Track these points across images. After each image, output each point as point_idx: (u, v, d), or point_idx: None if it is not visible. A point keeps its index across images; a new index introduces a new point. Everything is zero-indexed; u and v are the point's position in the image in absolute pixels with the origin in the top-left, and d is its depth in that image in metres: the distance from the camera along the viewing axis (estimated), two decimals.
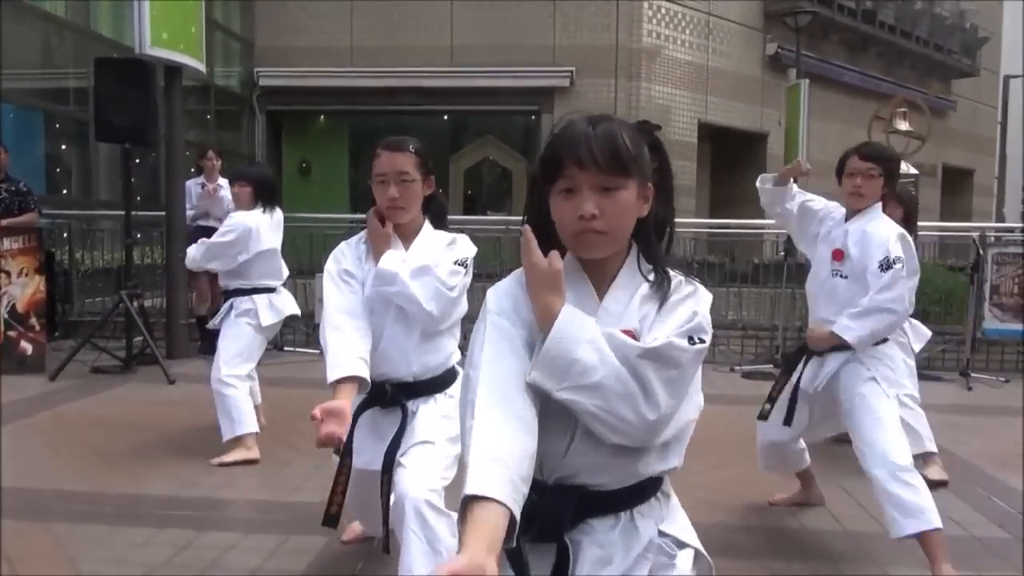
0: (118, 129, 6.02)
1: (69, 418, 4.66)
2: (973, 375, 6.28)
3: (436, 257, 2.30)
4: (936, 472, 3.71)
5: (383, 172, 2.27)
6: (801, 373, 2.98)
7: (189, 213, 6.67)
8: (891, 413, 2.77)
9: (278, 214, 4.18)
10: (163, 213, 6.79)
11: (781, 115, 13.26)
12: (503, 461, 1.10)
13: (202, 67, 6.91)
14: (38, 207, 6.38)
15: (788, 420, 2.99)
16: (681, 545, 1.33)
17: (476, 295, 7.01)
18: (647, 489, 1.30)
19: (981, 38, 21.32)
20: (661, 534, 1.31)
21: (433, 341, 2.33)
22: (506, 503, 1.06)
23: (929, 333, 4.23)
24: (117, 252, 7.39)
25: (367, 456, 2.27)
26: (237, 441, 3.89)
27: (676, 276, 1.30)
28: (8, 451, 3.82)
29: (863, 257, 2.84)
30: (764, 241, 9.07)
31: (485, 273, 7.45)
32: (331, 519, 2.26)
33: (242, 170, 4.42)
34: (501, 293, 1.30)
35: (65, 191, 10.05)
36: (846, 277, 2.92)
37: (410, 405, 2.29)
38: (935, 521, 2.59)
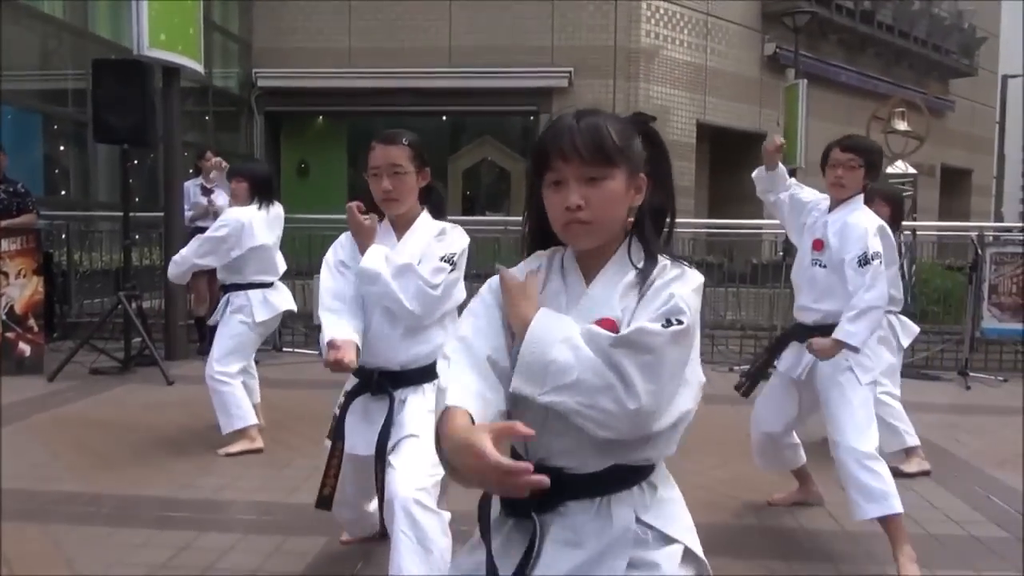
0: (116, 130, 6.02)
1: (67, 419, 4.66)
2: (972, 374, 6.28)
3: (425, 250, 2.32)
4: (917, 464, 3.85)
5: (377, 165, 2.31)
6: (779, 357, 3.12)
7: (187, 214, 6.67)
8: (863, 402, 2.86)
9: (275, 210, 4.20)
10: (161, 214, 6.80)
11: (779, 115, 13.29)
12: (479, 395, 1.21)
13: (200, 68, 6.91)
14: (36, 208, 6.37)
15: (747, 392, 3.17)
16: (668, 540, 1.28)
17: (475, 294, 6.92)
18: (627, 476, 1.27)
19: (979, 38, 21.35)
20: (642, 524, 1.26)
21: (420, 333, 2.34)
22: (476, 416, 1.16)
23: (917, 329, 4.31)
24: (115, 253, 7.39)
25: (356, 440, 2.32)
26: (240, 432, 3.99)
27: (663, 261, 1.28)
28: (7, 452, 3.81)
29: (841, 248, 2.91)
30: (763, 241, 9.08)
31: (484, 273, 7.50)
32: (324, 501, 2.34)
33: (240, 166, 4.45)
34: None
35: (63, 192, 10.05)
36: (825, 266, 2.99)
37: (398, 394, 2.32)
38: (896, 507, 2.71)
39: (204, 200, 6.70)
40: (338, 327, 2.23)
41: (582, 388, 1.17)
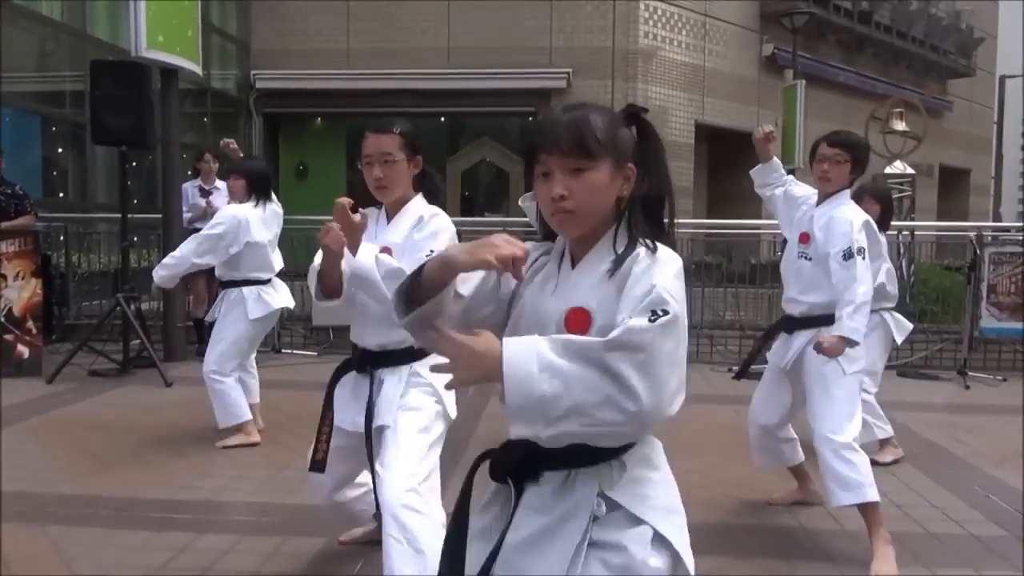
0: (114, 132, 6.01)
1: (66, 421, 4.65)
2: (971, 374, 6.29)
3: (408, 235, 2.35)
4: (891, 454, 4.05)
5: (369, 153, 2.37)
6: (769, 348, 3.21)
7: (186, 216, 6.66)
8: (846, 393, 2.92)
9: (272, 207, 4.24)
10: (160, 216, 6.79)
11: (778, 116, 13.29)
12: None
13: (198, 69, 6.90)
14: (34, 210, 6.37)
15: (740, 374, 3.29)
16: (637, 521, 1.28)
17: None
18: (594, 453, 1.28)
19: (977, 38, 21.37)
20: (608, 501, 1.28)
21: None
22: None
23: (911, 326, 4.38)
24: (114, 255, 7.38)
25: (344, 415, 2.40)
26: (236, 427, 4.11)
27: (639, 248, 1.29)
28: (5, 454, 3.81)
29: (826, 242, 2.96)
30: (761, 241, 9.08)
31: None
32: (317, 464, 2.41)
33: (237, 164, 4.48)
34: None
35: (62, 194, 10.03)
36: (810, 259, 3.05)
37: (377, 373, 2.37)
38: (870, 496, 2.81)
39: (202, 202, 6.70)
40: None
41: (581, 410, 1.16)
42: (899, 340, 4.29)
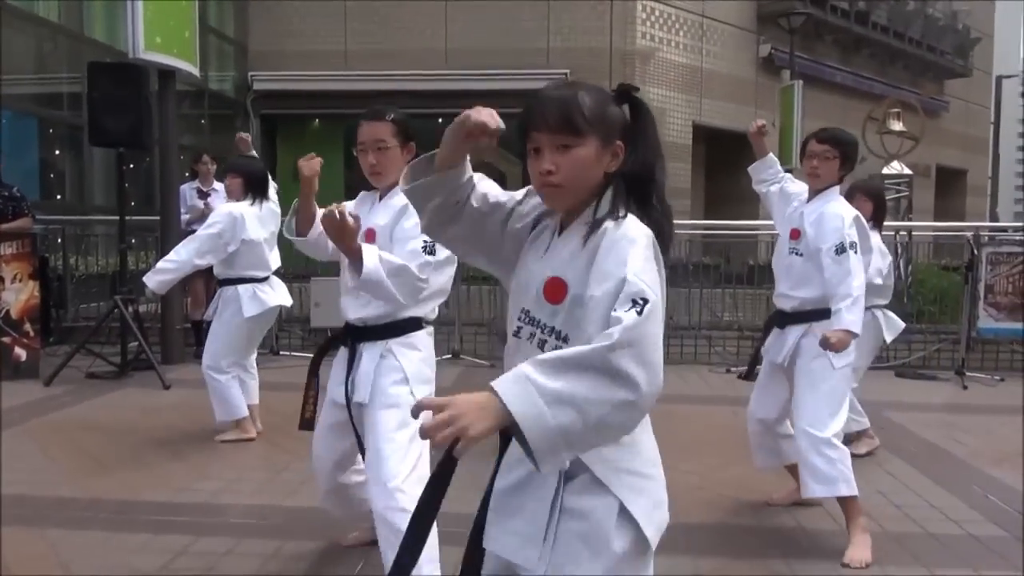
0: (112, 133, 6.00)
1: (64, 424, 4.64)
2: (968, 374, 6.29)
3: (396, 218, 2.39)
4: (865, 446, 4.14)
5: (363, 140, 2.42)
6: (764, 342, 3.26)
7: (184, 217, 6.66)
8: (832, 388, 2.97)
9: (269, 206, 4.27)
10: (158, 218, 6.78)
11: (775, 116, 13.32)
12: None
13: (196, 71, 6.90)
14: (32, 212, 6.36)
15: (749, 375, 3.31)
16: (604, 490, 1.31)
17: (475, 299, 6.93)
18: None
19: (973, 39, 21.43)
20: (578, 461, 1.31)
21: None
22: None
23: (903, 324, 4.43)
24: (111, 257, 7.36)
25: (335, 389, 2.48)
26: (234, 422, 4.23)
27: (608, 222, 1.33)
28: (3, 457, 3.80)
29: (817, 238, 3.00)
30: (759, 242, 9.09)
31: (481, 276, 7.48)
32: (307, 423, 2.55)
33: (234, 162, 4.50)
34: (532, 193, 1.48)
35: (59, 196, 10.01)
36: (801, 255, 3.08)
37: (359, 348, 2.43)
38: (843, 491, 2.91)
39: (201, 203, 6.69)
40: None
41: (597, 425, 1.18)
42: (888, 339, 4.35)
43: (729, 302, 7.77)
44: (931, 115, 17.43)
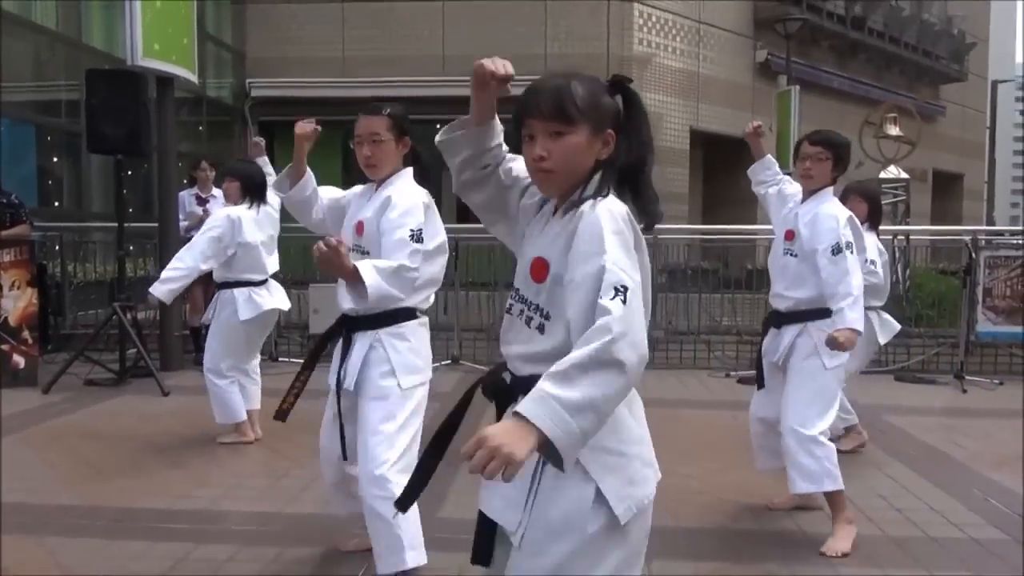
0: (110, 140, 6.00)
1: (62, 431, 4.63)
2: (967, 378, 6.30)
3: (377, 214, 2.45)
4: (852, 442, 4.25)
5: (359, 134, 2.52)
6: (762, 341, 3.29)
7: (183, 224, 6.65)
8: (821, 388, 3.02)
9: (267, 210, 4.29)
10: (156, 224, 6.77)
11: (772, 121, 13.34)
12: None
13: (194, 78, 6.90)
14: (30, 219, 6.35)
15: (760, 383, 3.27)
16: (583, 471, 1.34)
17: (473, 305, 6.91)
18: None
19: (969, 43, 21.51)
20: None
21: None
22: None
23: (898, 326, 4.45)
24: (110, 264, 7.36)
25: (330, 374, 2.56)
26: (234, 425, 4.23)
27: (584, 205, 1.37)
28: (2, 465, 3.78)
29: (812, 238, 3.03)
30: (757, 247, 9.10)
31: (480, 282, 7.49)
32: (281, 414, 2.66)
33: (231, 166, 4.53)
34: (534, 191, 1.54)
35: (57, 203, 10.01)
36: (795, 255, 3.12)
37: (353, 337, 2.50)
38: (827, 486, 2.98)
39: (199, 210, 6.69)
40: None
41: (607, 414, 1.27)
42: (882, 341, 4.37)
43: (728, 306, 7.78)
44: (927, 120, 17.49)
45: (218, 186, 6.50)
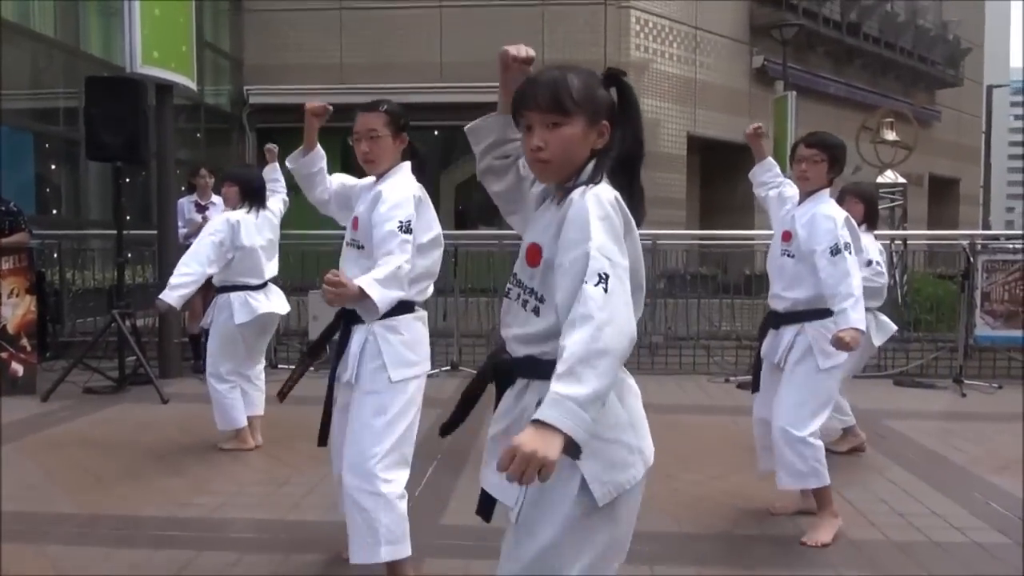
0: (109, 148, 6.00)
1: (62, 439, 4.62)
2: (966, 382, 6.30)
3: (369, 209, 2.49)
4: (847, 444, 4.28)
5: (357, 130, 2.56)
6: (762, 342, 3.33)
7: (181, 231, 6.65)
8: (814, 388, 3.06)
9: (266, 214, 4.31)
10: (155, 232, 6.77)
11: (768, 127, 13.37)
12: None
13: (193, 85, 6.91)
14: (28, 227, 6.35)
15: (755, 387, 3.33)
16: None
17: (473, 310, 6.91)
18: (535, 367, 1.47)
19: (964, 49, 21.61)
20: None
21: None
22: None
23: (894, 327, 4.47)
24: (108, 271, 7.35)
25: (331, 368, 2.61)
26: (233, 431, 4.30)
27: (575, 193, 1.42)
28: (1, 473, 3.77)
29: (810, 240, 3.06)
30: (756, 252, 9.11)
31: (479, 287, 7.49)
32: (281, 395, 2.71)
33: (230, 171, 4.56)
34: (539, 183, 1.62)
35: (56, 211, 10.01)
36: (793, 256, 3.15)
37: (352, 329, 2.53)
38: (812, 484, 3.06)
39: (199, 217, 6.69)
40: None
41: (608, 395, 1.34)
42: (878, 343, 4.39)
43: (727, 312, 7.79)
44: (923, 124, 17.56)
45: (217, 192, 6.52)
